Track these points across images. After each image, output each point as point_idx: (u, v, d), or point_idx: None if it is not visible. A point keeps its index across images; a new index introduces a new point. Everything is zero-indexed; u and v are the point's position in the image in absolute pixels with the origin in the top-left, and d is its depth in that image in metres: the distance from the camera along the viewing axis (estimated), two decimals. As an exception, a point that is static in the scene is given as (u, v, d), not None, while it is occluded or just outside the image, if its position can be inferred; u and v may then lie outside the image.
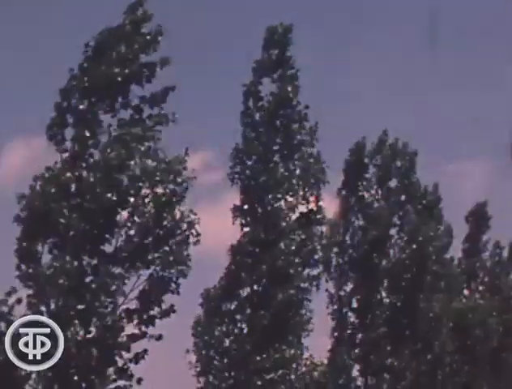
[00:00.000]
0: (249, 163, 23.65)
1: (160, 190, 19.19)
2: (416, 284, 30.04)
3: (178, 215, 19.22)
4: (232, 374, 22.56)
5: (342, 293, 28.98)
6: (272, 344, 22.05)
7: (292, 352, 22.09)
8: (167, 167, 19.22)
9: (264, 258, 22.53)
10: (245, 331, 22.63)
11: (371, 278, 28.92)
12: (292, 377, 22.36)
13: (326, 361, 25.47)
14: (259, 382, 21.78)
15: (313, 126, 24.26)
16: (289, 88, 23.99)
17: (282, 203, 23.28)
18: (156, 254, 19.04)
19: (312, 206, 23.68)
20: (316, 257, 23.48)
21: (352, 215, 29.72)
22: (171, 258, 19.05)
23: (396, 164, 31.02)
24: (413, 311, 29.70)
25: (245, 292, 22.93)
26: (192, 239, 19.27)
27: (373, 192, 30.27)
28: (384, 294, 29.48)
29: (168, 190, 19.19)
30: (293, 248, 22.72)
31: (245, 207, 23.23)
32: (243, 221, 23.23)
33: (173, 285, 19.21)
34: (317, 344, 28.40)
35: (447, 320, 31.60)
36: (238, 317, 22.82)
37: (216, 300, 22.78)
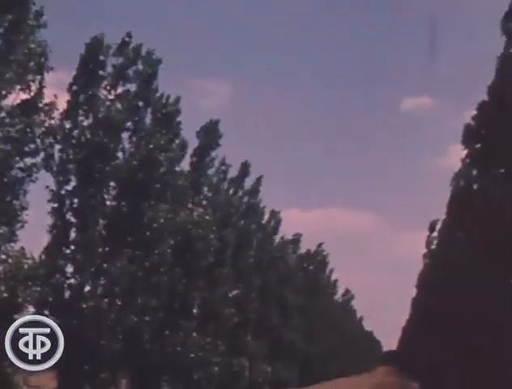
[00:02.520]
0: None
1: None
2: (143, 192, 29.94)
3: None
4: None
5: (63, 192, 28.15)
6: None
7: None
8: None
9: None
10: None
11: (95, 179, 28.34)
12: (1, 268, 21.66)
13: (38, 259, 24.75)
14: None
15: (39, 9, 22.66)
16: None
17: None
18: None
19: (34, 93, 22.47)
20: (33, 146, 22.50)
21: (81, 112, 28.70)
22: None
23: (137, 69, 30.48)
24: (137, 218, 29.66)
25: None
26: None
27: (105, 93, 29.37)
28: (107, 197, 29.11)
29: None
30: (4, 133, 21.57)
31: None
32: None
33: None
34: (40, 240, 27.82)
35: (170, 232, 31.86)
36: None
37: None
